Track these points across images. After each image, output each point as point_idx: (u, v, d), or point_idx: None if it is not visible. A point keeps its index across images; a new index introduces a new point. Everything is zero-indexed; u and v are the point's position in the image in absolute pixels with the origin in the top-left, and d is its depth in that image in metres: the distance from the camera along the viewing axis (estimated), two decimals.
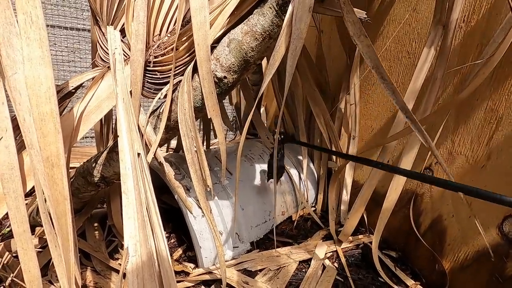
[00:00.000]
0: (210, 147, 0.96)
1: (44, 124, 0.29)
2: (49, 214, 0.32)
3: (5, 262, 0.53)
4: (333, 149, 0.79)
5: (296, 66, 0.75)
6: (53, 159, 0.29)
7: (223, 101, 0.91)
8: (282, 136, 0.71)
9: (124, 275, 0.29)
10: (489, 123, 0.50)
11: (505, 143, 0.48)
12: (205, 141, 0.92)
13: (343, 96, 0.76)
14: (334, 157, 0.83)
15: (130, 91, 0.41)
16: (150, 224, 0.30)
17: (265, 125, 1.10)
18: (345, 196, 0.77)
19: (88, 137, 1.21)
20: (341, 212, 0.77)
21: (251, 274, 0.55)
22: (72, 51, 1.02)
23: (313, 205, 0.88)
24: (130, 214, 0.29)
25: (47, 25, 0.89)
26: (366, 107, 0.75)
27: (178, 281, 0.53)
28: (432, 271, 0.60)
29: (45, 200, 0.32)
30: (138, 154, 0.33)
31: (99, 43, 0.46)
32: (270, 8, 0.39)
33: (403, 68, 0.65)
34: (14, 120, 0.33)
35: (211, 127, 0.92)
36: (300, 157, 0.87)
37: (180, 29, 0.44)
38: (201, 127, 0.91)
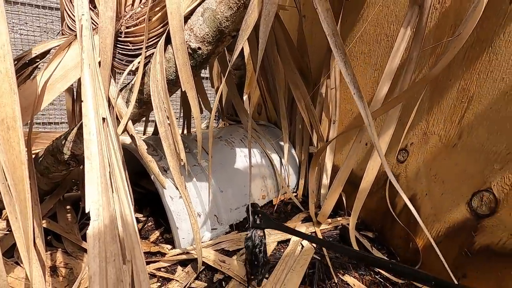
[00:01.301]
0: (191, 132, 0.94)
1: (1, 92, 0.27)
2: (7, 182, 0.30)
3: None
4: (314, 133, 0.80)
5: (277, 50, 0.75)
6: (9, 121, 0.27)
7: (205, 89, 0.89)
8: (258, 218, 0.48)
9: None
10: (461, 102, 0.51)
11: (475, 121, 0.49)
12: (185, 126, 0.90)
13: (324, 81, 0.77)
14: (315, 141, 0.83)
15: (99, 62, 0.39)
16: (116, 190, 0.29)
17: (248, 112, 1.09)
18: (325, 180, 0.78)
19: (63, 122, 1.17)
20: (321, 195, 0.78)
21: (229, 253, 0.55)
22: (44, 31, 0.97)
23: (295, 190, 0.88)
24: (93, 179, 0.28)
25: (17, 2, 0.85)
26: (346, 91, 0.76)
27: (153, 262, 0.52)
28: (406, 249, 0.62)
29: (2, 168, 0.30)
30: (104, 119, 0.32)
31: (66, 11, 0.44)
32: None
33: (382, 50, 0.66)
34: None
35: (191, 113, 0.90)
36: (282, 142, 0.87)
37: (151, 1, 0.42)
38: (181, 113, 0.89)
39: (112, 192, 0.28)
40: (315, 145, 0.85)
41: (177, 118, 0.76)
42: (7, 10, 0.82)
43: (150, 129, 0.98)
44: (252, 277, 0.49)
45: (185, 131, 0.92)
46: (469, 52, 0.50)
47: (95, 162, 0.28)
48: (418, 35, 0.52)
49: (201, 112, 0.90)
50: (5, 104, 0.27)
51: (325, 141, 0.78)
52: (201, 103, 0.85)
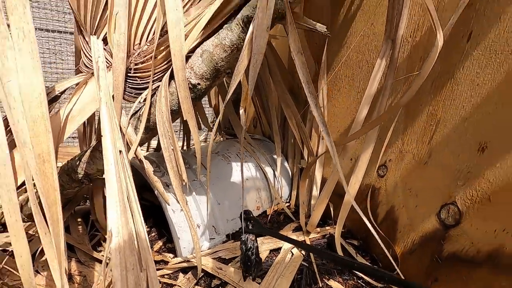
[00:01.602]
0: (190, 147, 1.01)
1: (36, 125, 0.34)
2: (40, 204, 0.37)
3: None
4: (304, 148, 0.86)
5: (270, 73, 0.82)
6: (44, 156, 0.34)
7: (203, 104, 0.96)
8: (250, 223, 0.58)
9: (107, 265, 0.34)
10: (430, 125, 0.58)
11: (442, 142, 0.56)
12: (185, 141, 0.97)
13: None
14: (306, 156, 0.89)
15: (113, 96, 0.46)
16: (131, 211, 0.35)
17: (245, 126, 1.16)
18: (315, 192, 0.84)
19: (70, 137, 1.23)
20: (311, 206, 0.84)
21: (225, 261, 0.61)
22: (53, 53, 1.03)
23: (287, 201, 0.94)
24: (113, 203, 0.34)
25: None
26: (333, 110, 0.83)
27: (157, 269, 0.58)
28: (386, 256, 0.68)
29: (36, 192, 0.36)
30: (120, 151, 0.38)
31: (83, 51, 0.50)
32: (237, 24, 0.45)
33: (363, 75, 0.73)
34: (4, 121, 0.37)
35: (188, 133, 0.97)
36: (275, 156, 0.93)
37: (158, 39, 0.49)
38: (181, 128, 0.95)
39: (128, 213, 0.34)
40: (306, 159, 0.91)
41: (176, 131, 0.82)
42: None
43: (154, 142, 1.05)
44: (247, 274, 0.56)
45: (185, 146, 0.98)
46: (436, 82, 0.57)
47: (114, 188, 0.34)
48: (392, 65, 0.59)
49: (200, 128, 0.96)
50: (42, 141, 0.33)
51: (315, 156, 0.84)
52: (200, 119, 0.92)
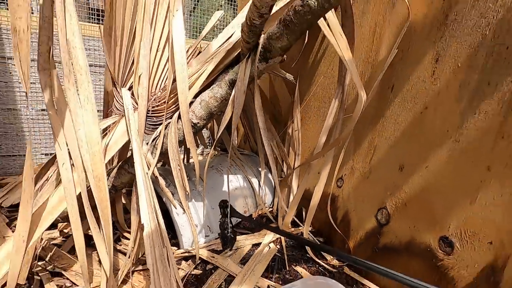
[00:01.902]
0: (189, 162, 1.20)
1: (95, 157, 0.52)
2: (91, 209, 0.55)
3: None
4: (284, 163, 1.06)
5: (253, 102, 1.01)
6: (100, 176, 0.52)
7: None
8: (226, 209, 0.72)
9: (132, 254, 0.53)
10: (370, 150, 0.78)
11: (378, 163, 0.76)
12: (185, 155, 1.16)
13: (289, 124, 1.03)
14: (285, 169, 1.09)
15: (137, 130, 0.65)
16: (155, 211, 0.54)
17: (235, 143, 1.35)
18: (292, 198, 1.03)
19: None
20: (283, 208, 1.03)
21: (217, 252, 0.79)
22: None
23: (271, 206, 1.13)
24: (144, 205, 0.53)
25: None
26: (306, 133, 1.02)
27: None
28: (343, 250, 0.87)
29: (88, 200, 0.55)
30: (146, 173, 0.57)
31: (115, 97, 0.69)
32: (225, 84, 0.64)
33: (327, 107, 0.93)
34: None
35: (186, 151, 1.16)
36: (260, 169, 1.12)
37: (169, 91, 0.68)
38: (184, 147, 1.14)
39: (153, 212, 0.53)
40: (285, 172, 1.10)
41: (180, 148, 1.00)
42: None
43: None
44: (225, 247, 0.78)
45: (185, 160, 1.17)
46: (373, 119, 0.77)
47: (143, 194, 0.53)
48: (342, 105, 0.79)
49: (198, 146, 1.15)
50: (98, 167, 0.52)
51: (292, 169, 1.03)
52: (197, 138, 1.11)
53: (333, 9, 0.60)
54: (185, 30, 0.66)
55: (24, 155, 1.14)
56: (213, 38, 1.01)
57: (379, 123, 0.75)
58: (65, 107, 0.55)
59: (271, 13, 0.52)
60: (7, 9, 1.19)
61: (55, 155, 0.57)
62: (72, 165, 0.55)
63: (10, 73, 1.06)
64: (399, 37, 0.67)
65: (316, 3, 0.47)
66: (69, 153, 0.54)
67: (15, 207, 0.97)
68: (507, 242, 0.52)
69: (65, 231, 0.82)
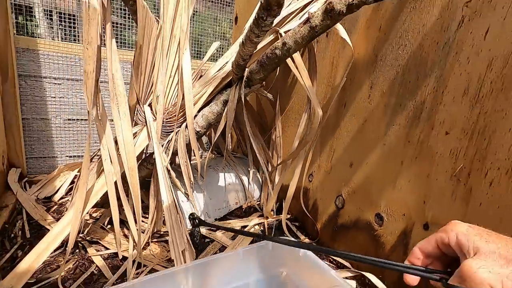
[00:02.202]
0: (191, 162, 1.43)
1: (129, 153, 0.75)
2: (124, 191, 0.78)
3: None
4: (269, 164, 1.29)
5: (243, 114, 1.25)
6: (132, 167, 0.75)
7: None
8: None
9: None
10: (331, 151, 1.02)
11: (336, 161, 0.99)
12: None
13: (272, 132, 1.27)
14: (269, 168, 1.32)
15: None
16: (171, 192, 0.76)
17: (229, 148, 1.59)
18: (276, 194, 1.26)
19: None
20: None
21: (214, 231, 1.02)
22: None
23: (259, 199, 1.36)
24: (163, 189, 0.75)
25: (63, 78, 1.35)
26: (285, 138, 1.26)
27: None
28: (314, 230, 1.10)
29: (123, 186, 0.78)
30: (166, 168, 0.80)
31: (138, 111, 0.93)
32: (220, 102, 0.88)
33: (301, 119, 1.17)
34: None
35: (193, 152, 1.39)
36: (249, 168, 1.36)
37: (179, 107, 0.92)
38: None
39: (170, 193, 0.75)
40: (270, 171, 1.34)
41: None
42: (55, 84, 1.30)
43: None
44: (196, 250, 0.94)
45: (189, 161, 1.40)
46: (333, 129, 1.01)
47: (163, 183, 0.76)
48: (309, 117, 1.03)
49: (199, 149, 1.38)
50: (131, 161, 0.75)
51: (275, 168, 1.27)
52: (199, 144, 1.34)
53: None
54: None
55: (52, 157, 1.37)
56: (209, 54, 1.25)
57: (336, 131, 0.99)
58: (106, 119, 0.79)
59: (252, 55, 0.77)
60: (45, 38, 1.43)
61: (87, 155, 0.80)
62: (111, 160, 0.78)
63: (44, 89, 1.29)
64: (347, 69, 0.91)
65: (280, 53, 0.72)
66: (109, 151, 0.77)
67: (48, 199, 1.19)
68: (412, 214, 0.75)
69: (94, 215, 1.04)
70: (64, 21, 1.39)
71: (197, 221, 0.87)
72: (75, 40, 1.41)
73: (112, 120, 0.78)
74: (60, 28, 1.60)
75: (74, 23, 1.42)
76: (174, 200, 0.76)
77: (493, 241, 0.34)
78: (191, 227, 0.87)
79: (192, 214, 0.90)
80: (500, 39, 0.58)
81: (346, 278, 0.85)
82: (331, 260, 0.95)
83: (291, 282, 0.72)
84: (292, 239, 0.99)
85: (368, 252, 0.86)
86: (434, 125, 0.70)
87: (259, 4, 0.56)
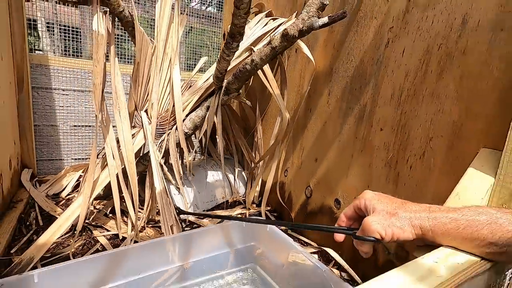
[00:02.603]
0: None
1: (128, 150, 0.92)
2: (124, 181, 0.95)
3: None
4: (252, 162, 1.46)
5: (230, 121, 1.43)
6: (131, 161, 0.92)
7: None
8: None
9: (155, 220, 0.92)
10: (301, 149, 1.19)
11: (305, 158, 1.16)
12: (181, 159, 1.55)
13: (254, 134, 1.45)
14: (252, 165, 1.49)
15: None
16: (163, 182, 0.93)
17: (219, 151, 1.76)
18: (258, 187, 1.43)
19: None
20: (254, 197, 1.42)
21: (202, 219, 1.18)
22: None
23: (244, 196, 1.53)
24: (156, 179, 0.92)
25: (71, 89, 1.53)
26: (265, 140, 1.44)
27: None
28: (289, 219, 1.26)
29: (123, 175, 0.95)
30: (160, 165, 0.97)
31: (136, 116, 1.11)
32: (205, 108, 1.06)
33: (276, 122, 1.34)
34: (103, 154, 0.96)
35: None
36: (235, 167, 1.53)
37: (170, 112, 1.10)
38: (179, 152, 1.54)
39: (161, 182, 0.92)
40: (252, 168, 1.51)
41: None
42: (63, 94, 1.48)
43: None
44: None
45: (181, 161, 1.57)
46: (303, 129, 1.18)
47: (156, 175, 0.92)
48: (282, 120, 1.20)
49: (189, 150, 1.55)
50: (130, 156, 0.92)
51: (255, 164, 1.44)
52: (189, 146, 1.51)
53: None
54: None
55: (59, 159, 1.54)
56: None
57: (305, 131, 1.17)
58: (109, 123, 0.96)
59: (228, 70, 0.95)
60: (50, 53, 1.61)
61: (94, 152, 0.97)
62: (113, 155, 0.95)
63: (54, 99, 1.47)
64: (311, 79, 1.10)
65: (250, 67, 0.90)
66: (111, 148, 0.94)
67: (56, 195, 1.35)
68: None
69: (97, 207, 1.20)
70: (67, 35, 1.57)
71: (177, 210, 1.04)
72: (76, 53, 1.60)
73: (114, 126, 0.95)
74: (61, 42, 1.79)
75: (77, 37, 1.60)
76: (165, 187, 0.93)
77: (385, 202, 0.51)
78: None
79: (177, 207, 1.07)
80: (412, 56, 0.77)
81: (311, 253, 1.01)
82: (300, 241, 1.12)
83: (260, 251, 0.89)
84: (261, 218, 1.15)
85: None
86: (373, 123, 0.88)
87: (227, 33, 0.75)
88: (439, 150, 0.70)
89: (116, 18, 0.92)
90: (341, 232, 0.56)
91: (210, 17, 2.01)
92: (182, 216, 1.15)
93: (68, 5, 1.01)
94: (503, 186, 0.54)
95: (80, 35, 2.03)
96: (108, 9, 0.88)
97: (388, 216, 0.49)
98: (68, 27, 1.71)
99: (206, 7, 1.85)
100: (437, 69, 0.71)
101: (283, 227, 1.13)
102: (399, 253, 0.76)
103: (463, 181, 0.59)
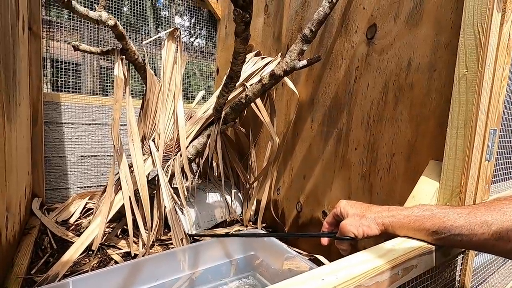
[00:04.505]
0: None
1: (141, 176, 1.06)
2: (136, 202, 1.07)
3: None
4: (247, 184, 1.60)
5: (225, 146, 1.59)
6: (143, 184, 1.05)
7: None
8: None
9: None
10: (290, 169, 1.35)
11: (295, 176, 1.32)
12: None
13: (248, 158, 1.60)
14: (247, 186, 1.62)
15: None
16: (171, 199, 1.05)
17: (216, 174, 1.90)
18: (253, 206, 1.56)
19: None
20: (251, 215, 1.55)
21: (203, 237, 1.29)
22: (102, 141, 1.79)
23: (241, 214, 1.65)
24: (165, 196, 1.05)
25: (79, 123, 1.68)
26: (259, 163, 1.59)
27: (169, 239, 1.26)
28: (283, 232, 1.38)
29: (136, 200, 1.07)
30: (166, 183, 1.10)
31: (143, 144, 1.25)
32: (206, 136, 1.22)
33: (267, 146, 1.51)
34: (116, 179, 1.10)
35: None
36: (232, 189, 1.66)
37: (175, 140, 1.25)
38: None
39: (171, 200, 1.05)
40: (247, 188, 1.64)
41: None
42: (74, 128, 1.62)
43: None
44: None
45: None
46: (291, 150, 1.35)
47: (165, 195, 1.05)
48: (273, 144, 1.37)
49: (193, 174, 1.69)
50: (142, 180, 1.05)
51: (250, 185, 1.57)
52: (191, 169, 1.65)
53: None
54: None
55: (66, 188, 1.64)
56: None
57: (293, 153, 1.33)
58: (122, 152, 1.11)
59: (226, 103, 1.12)
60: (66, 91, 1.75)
61: (111, 176, 1.10)
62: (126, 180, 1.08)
63: (63, 132, 1.61)
64: (296, 108, 1.28)
65: (244, 101, 1.07)
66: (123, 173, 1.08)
67: (65, 222, 1.44)
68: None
69: (106, 230, 1.31)
70: (68, 71, 1.74)
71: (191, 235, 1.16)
72: (76, 88, 1.76)
73: (128, 155, 1.09)
74: (64, 78, 1.94)
75: (76, 72, 1.77)
76: (174, 205, 1.06)
77: (355, 207, 0.67)
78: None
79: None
80: (374, 90, 0.96)
81: None
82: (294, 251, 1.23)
83: (260, 260, 1.01)
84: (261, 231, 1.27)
85: (319, 240, 1.16)
86: (349, 144, 1.05)
87: (226, 75, 0.93)
88: (400, 163, 0.87)
89: (131, 64, 1.10)
90: (325, 236, 0.71)
91: (198, 50, 2.22)
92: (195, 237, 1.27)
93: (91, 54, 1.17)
94: (445, 188, 0.71)
95: (80, 71, 2.21)
96: (124, 57, 1.05)
97: (358, 218, 0.65)
98: (69, 62, 1.89)
99: (195, 39, 2.09)
100: (393, 99, 0.90)
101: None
102: None
103: (417, 187, 0.75)
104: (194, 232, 1.35)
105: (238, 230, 1.40)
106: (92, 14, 0.87)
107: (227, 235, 1.25)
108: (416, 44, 0.83)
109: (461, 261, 0.74)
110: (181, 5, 2.06)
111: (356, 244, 0.87)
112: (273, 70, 0.98)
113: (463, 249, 0.70)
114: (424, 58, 0.81)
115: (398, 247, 0.58)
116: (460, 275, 0.74)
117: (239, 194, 1.70)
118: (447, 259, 0.67)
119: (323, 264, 1.09)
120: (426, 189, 0.74)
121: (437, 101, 0.78)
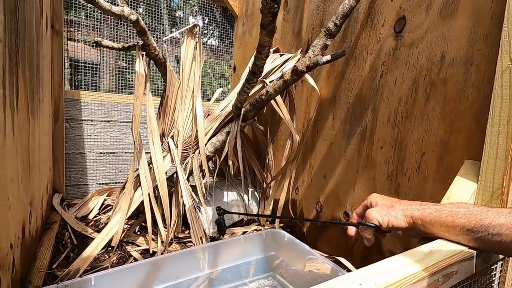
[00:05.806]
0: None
1: (160, 173, 1.05)
2: (155, 198, 1.07)
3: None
4: (264, 183, 1.58)
5: (243, 144, 1.57)
6: (162, 181, 1.04)
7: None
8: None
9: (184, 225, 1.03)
10: (310, 168, 1.31)
11: (314, 175, 1.28)
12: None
13: (266, 156, 1.58)
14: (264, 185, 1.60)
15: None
16: (190, 196, 1.04)
17: (231, 172, 1.88)
18: (270, 206, 1.53)
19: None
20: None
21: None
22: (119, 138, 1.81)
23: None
24: (185, 193, 1.04)
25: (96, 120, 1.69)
26: (276, 161, 1.56)
27: (187, 237, 1.24)
28: (301, 234, 1.35)
29: (154, 196, 1.07)
30: (185, 181, 1.09)
31: (163, 142, 1.25)
32: (225, 133, 1.21)
33: (285, 145, 1.48)
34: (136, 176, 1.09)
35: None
36: (249, 188, 1.64)
37: (193, 137, 1.24)
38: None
39: (191, 197, 1.04)
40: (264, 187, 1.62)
41: None
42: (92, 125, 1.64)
43: None
44: (218, 234, 1.22)
45: None
46: (311, 149, 1.31)
47: (184, 191, 1.04)
48: (292, 143, 1.34)
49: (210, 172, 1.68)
50: (161, 177, 1.04)
51: (267, 184, 1.55)
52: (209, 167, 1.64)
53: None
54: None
55: (85, 184, 1.66)
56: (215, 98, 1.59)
57: (313, 152, 1.30)
58: (142, 149, 1.10)
59: (246, 100, 1.10)
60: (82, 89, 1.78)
61: (131, 174, 1.10)
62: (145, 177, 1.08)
63: (83, 129, 1.63)
64: (316, 106, 1.25)
65: (265, 97, 1.05)
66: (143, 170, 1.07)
67: (84, 217, 1.46)
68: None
69: (124, 226, 1.31)
70: (88, 70, 1.76)
71: (221, 210, 1.15)
72: (94, 86, 1.78)
73: (148, 152, 1.09)
74: (83, 77, 1.97)
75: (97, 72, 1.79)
76: (193, 203, 1.05)
77: (385, 199, 0.64)
78: (218, 216, 1.14)
79: (218, 207, 1.18)
80: (403, 85, 0.91)
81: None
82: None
83: (280, 259, 0.98)
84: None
85: (340, 241, 1.12)
86: (374, 142, 1.01)
87: (247, 69, 0.90)
88: (431, 162, 0.82)
89: (151, 60, 1.09)
90: (349, 225, 0.68)
91: (211, 50, 2.21)
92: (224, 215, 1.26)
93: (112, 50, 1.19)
94: (484, 189, 0.66)
95: (99, 70, 2.24)
96: (144, 53, 1.05)
97: (386, 208, 0.62)
98: (88, 63, 1.91)
99: (208, 39, 2.08)
100: (424, 95, 0.85)
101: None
102: None
103: (452, 187, 0.71)
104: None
105: (256, 230, 1.38)
106: (115, 9, 0.86)
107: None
108: (451, 37, 0.78)
109: (500, 268, 0.69)
110: (195, 5, 2.06)
111: (381, 240, 0.83)
112: (295, 65, 0.95)
113: (502, 256, 0.66)
114: (460, 51, 0.76)
115: (437, 251, 0.54)
116: (499, 283, 0.69)
117: (256, 193, 1.67)
118: (487, 265, 0.62)
119: (345, 266, 1.05)
120: (462, 190, 0.69)
121: (474, 96, 0.73)
